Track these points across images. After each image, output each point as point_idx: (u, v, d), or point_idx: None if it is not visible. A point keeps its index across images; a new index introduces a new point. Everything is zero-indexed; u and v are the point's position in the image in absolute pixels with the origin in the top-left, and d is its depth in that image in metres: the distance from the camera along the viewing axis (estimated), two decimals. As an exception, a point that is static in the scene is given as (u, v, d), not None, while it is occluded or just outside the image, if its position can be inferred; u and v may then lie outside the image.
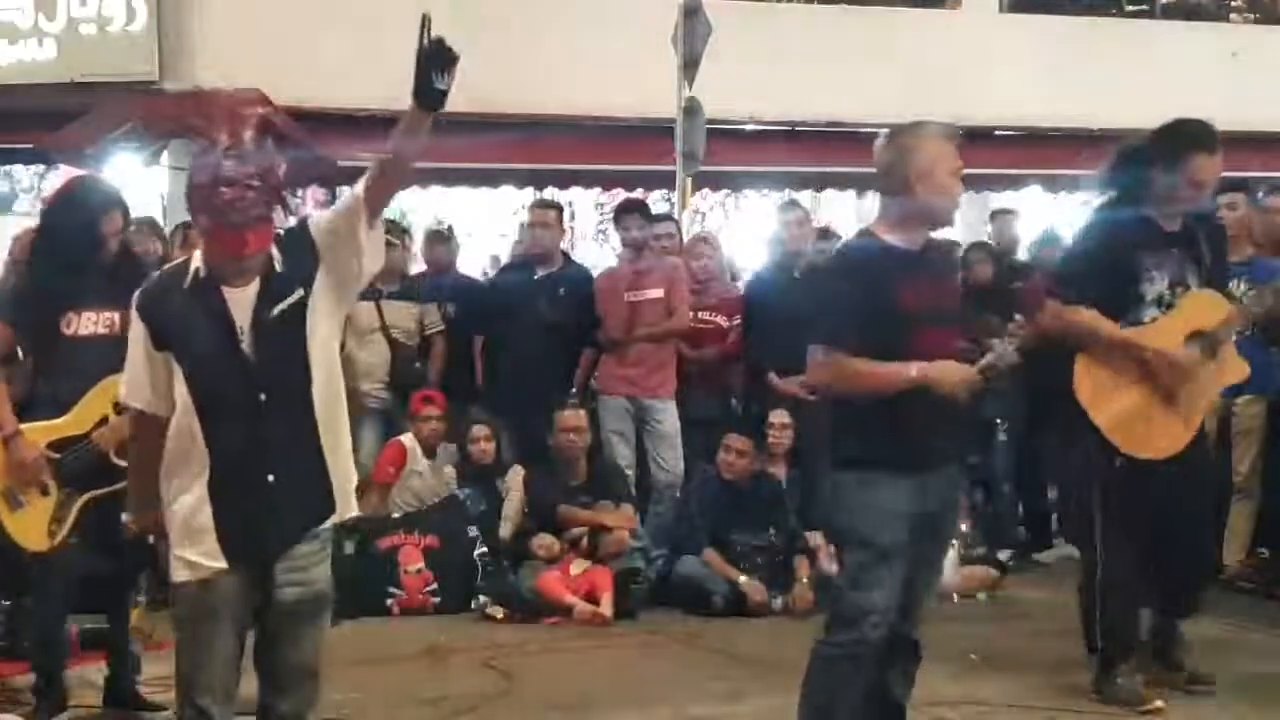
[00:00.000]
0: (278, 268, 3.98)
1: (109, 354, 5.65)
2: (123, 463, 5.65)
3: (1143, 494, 5.84)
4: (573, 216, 12.24)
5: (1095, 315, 5.84)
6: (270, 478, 3.95)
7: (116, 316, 5.68)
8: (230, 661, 4.04)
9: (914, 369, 4.61)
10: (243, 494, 3.96)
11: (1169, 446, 5.84)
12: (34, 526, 5.65)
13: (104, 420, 5.65)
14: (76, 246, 5.72)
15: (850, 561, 4.84)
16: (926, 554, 4.86)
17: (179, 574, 4.02)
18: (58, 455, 5.62)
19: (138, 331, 4.04)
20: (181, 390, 3.97)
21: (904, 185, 4.75)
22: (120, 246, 5.87)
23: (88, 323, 5.69)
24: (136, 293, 4.10)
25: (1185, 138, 5.85)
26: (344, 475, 4.11)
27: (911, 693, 4.96)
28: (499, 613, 7.90)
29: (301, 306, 3.97)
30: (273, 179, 3.87)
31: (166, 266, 4.23)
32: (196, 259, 4.00)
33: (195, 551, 3.98)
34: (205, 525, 3.97)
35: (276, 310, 3.95)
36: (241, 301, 3.96)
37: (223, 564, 3.97)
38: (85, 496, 5.64)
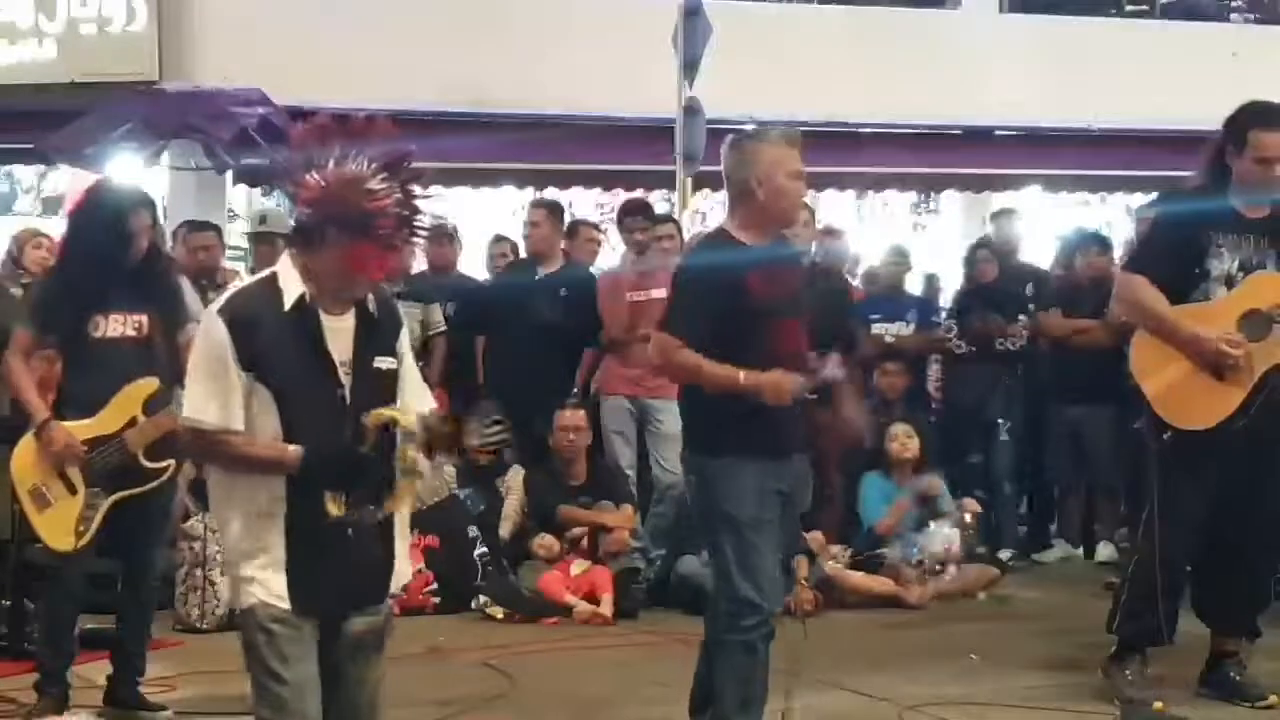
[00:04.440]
0: (371, 309, 3.85)
1: (136, 356, 5.71)
2: (150, 464, 5.68)
3: (1193, 476, 5.80)
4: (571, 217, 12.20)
5: (1147, 286, 5.84)
6: (350, 531, 3.73)
7: (145, 319, 5.74)
8: (315, 697, 3.78)
9: (743, 376, 4.85)
10: (321, 540, 3.72)
11: (1208, 418, 5.77)
12: (61, 526, 5.68)
13: (133, 421, 5.67)
14: (106, 246, 5.76)
15: (731, 544, 5.00)
16: (785, 531, 5.15)
17: (247, 599, 3.76)
18: (88, 453, 5.65)
19: (220, 349, 3.68)
20: (267, 418, 3.71)
21: (746, 189, 5.01)
22: (150, 248, 5.91)
23: (115, 325, 5.74)
24: (217, 308, 3.76)
25: (1245, 116, 5.86)
26: (403, 546, 3.95)
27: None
28: (499, 613, 7.90)
29: (395, 376, 3.89)
30: (412, 216, 3.77)
31: (245, 282, 3.97)
32: (290, 279, 3.76)
33: (263, 589, 3.73)
34: (276, 564, 3.72)
35: (377, 363, 3.83)
36: (339, 332, 3.79)
37: (287, 606, 3.73)
38: (112, 498, 5.66)
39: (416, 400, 3.95)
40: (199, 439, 3.77)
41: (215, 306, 3.79)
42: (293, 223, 3.92)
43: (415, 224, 3.78)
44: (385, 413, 3.73)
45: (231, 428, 3.70)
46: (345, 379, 3.78)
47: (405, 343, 3.99)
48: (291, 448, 3.70)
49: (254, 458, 3.72)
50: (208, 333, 3.75)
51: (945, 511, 8.70)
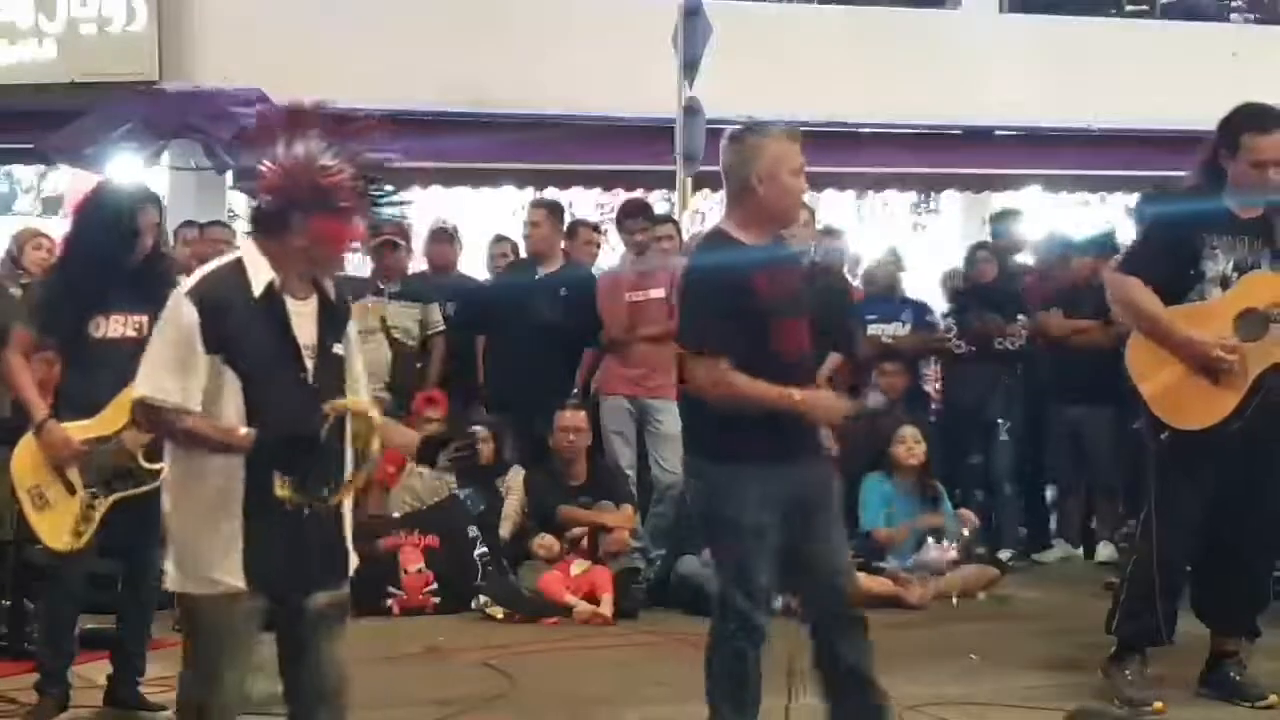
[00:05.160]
0: (331, 295, 3.96)
1: (136, 356, 5.69)
2: (150, 465, 5.68)
3: (1190, 477, 5.79)
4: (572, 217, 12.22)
5: (1141, 288, 5.84)
6: (304, 513, 3.83)
7: (145, 320, 5.72)
8: (243, 681, 3.93)
9: (797, 395, 4.72)
10: (277, 521, 3.80)
11: (1204, 419, 5.76)
12: (60, 526, 5.67)
13: (133, 422, 5.67)
14: (109, 246, 5.75)
15: (728, 551, 4.93)
16: (817, 536, 4.92)
17: (195, 585, 3.88)
18: (86, 453, 5.65)
19: (188, 330, 3.79)
20: (233, 399, 3.81)
21: (746, 186, 4.85)
22: (152, 248, 5.91)
23: (116, 325, 5.73)
24: (187, 291, 3.85)
25: (1239, 119, 5.85)
26: (349, 528, 4.04)
27: (872, 663, 4.96)
28: (499, 613, 7.90)
29: (343, 361, 3.99)
30: (369, 186, 3.87)
31: (212, 267, 3.98)
32: (257, 266, 3.85)
33: (216, 567, 3.83)
34: (232, 545, 3.82)
35: (335, 348, 3.94)
36: (303, 317, 3.89)
37: (243, 585, 3.83)
38: (111, 498, 5.66)
39: (358, 390, 4.06)
40: (156, 416, 3.87)
41: (184, 289, 3.88)
42: (252, 213, 4.01)
43: (373, 193, 3.89)
44: (344, 402, 3.84)
45: (188, 407, 3.80)
46: (309, 362, 3.88)
47: (353, 332, 4.09)
48: (243, 429, 3.79)
49: (208, 437, 3.82)
50: (177, 314, 3.83)
51: (946, 531, 8.66)
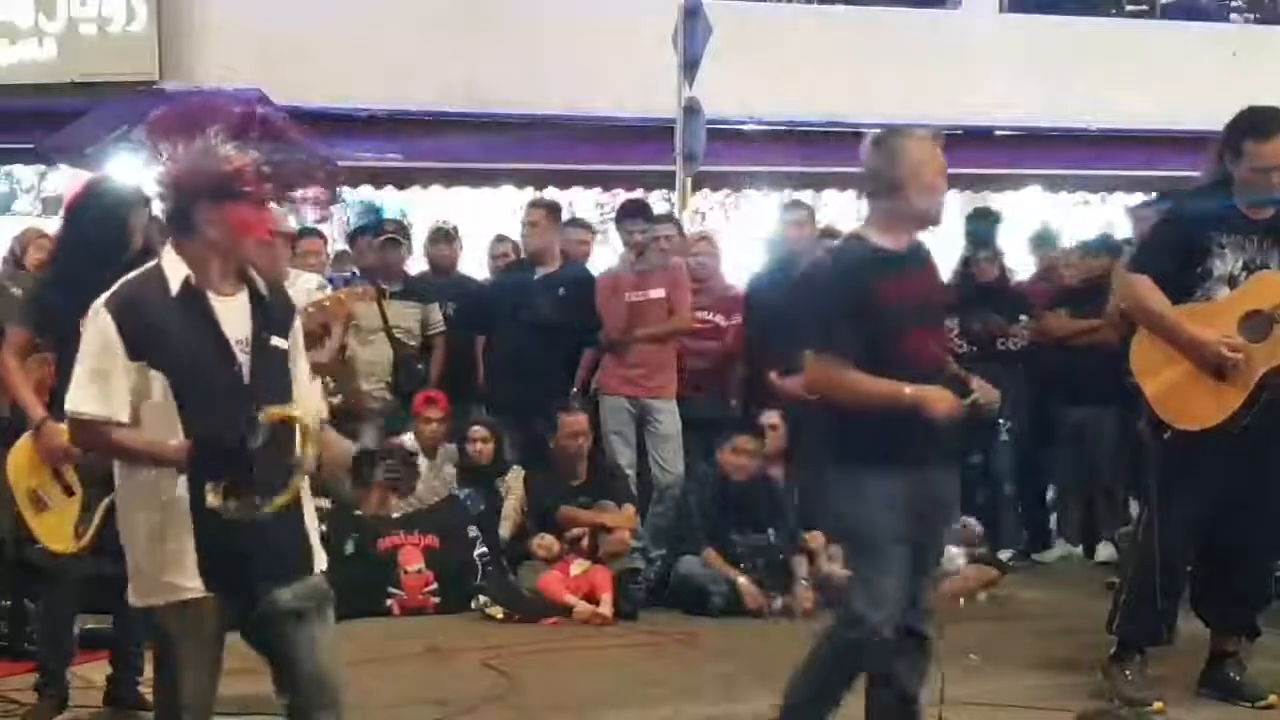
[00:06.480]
0: (261, 289, 3.91)
1: None
2: None
3: (1192, 476, 5.79)
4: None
5: (1150, 286, 5.84)
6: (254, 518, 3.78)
7: None
8: (212, 682, 3.93)
9: (909, 390, 4.65)
10: (224, 527, 3.75)
11: (1207, 418, 5.76)
12: (60, 527, 5.65)
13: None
14: (102, 242, 5.73)
15: (857, 555, 4.88)
16: (922, 549, 4.87)
17: (153, 596, 3.86)
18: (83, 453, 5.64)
19: (106, 340, 3.76)
20: (162, 403, 3.77)
21: (892, 187, 4.84)
22: (142, 247, 5.90)
23: None
24: (104, 301, 3.82)
25: (1241, 124, 5.85)
26: (314, 528, 4.02)
27: (923, 692, 4.94)
28: (499, 613, 7.90)
29: (285, 355, 3.94)
30: (277, 170, 3.83)
31: (132, 275, 3.95)
32: (174, 266, 3.84)
33: (172, 573, 3.81)
34: (184, 548, 3.79)
35: (273, 341, 3.89)
36: (232, 311, 3.85)
37: (200, 587, 3.81)
38: (110, 498, 5.64)
39: (307, 396, 3.99)
40: (81, 430, 3.86)
41: (102, 299, 3.85)
42: (163, 217, 3.99)
43: (286, 177, 3.85)
44: (281, 410, 3.77)
45: (114, 418, 3.76)
46: (242, 356, 3.84)
47: (298, 331, 4.04)
48: (173, 442, 3.75)
49: (134, 450, 3.81)
50: (94, 325, 3.81)
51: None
